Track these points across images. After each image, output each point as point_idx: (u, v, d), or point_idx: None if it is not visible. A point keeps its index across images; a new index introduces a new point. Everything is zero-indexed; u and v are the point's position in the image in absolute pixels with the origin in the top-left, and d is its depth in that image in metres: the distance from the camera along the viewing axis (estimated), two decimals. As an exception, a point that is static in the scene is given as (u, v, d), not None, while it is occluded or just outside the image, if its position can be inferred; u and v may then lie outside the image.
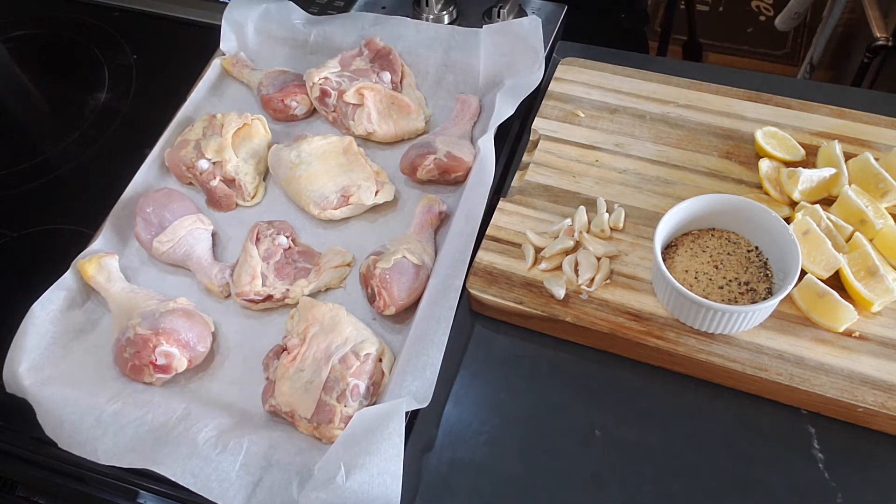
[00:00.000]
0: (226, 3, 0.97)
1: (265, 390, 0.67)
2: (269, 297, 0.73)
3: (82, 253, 0.76)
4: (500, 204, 0.77)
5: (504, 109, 0.81)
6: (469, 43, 0.90)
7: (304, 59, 0.95)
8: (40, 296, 0.72)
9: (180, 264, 0.77)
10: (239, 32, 0.96)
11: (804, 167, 0.74)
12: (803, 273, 0.67)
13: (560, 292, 0.69)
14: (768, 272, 0.68)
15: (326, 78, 0.87)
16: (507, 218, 0.76)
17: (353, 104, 0.85)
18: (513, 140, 0.86)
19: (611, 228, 0.74)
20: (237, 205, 0.83)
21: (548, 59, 0.90)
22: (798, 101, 0.83)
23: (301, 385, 0.65)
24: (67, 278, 0.74)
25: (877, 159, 0.74)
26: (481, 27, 0.89)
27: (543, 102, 0.85)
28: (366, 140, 0.87)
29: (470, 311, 0.74)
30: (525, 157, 0.82)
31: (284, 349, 0.68)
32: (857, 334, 0.65)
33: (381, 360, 0.67)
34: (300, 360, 0.67)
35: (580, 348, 0.70)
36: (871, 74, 1.24)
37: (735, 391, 0.66)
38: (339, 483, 0.58)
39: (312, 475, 0.60)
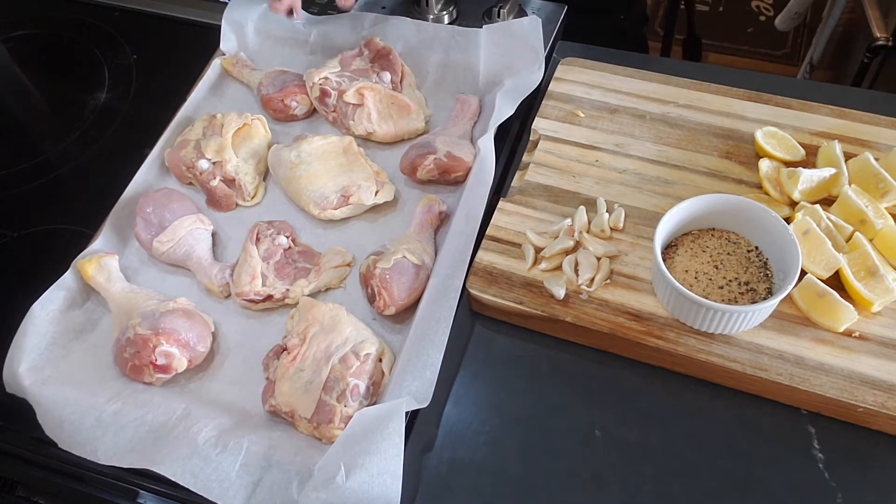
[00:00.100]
0: (226, 3, 0.97)
1: (265, 390, 0.67)
2: (269, 297, 0.73)
3: (82, 253, 0.76)
4: (500, 204, 0.77)
5: (504, 109, 0.81)
6: (469, 43, 0.90)
7: (304, 59, 0.95)
8: (40, 296, 0.72)
9: (180, 264, 0.77)
10: (239, 32, 0.96)
11: (804, 167, 0.74)
12: (803, 273, 0.67)
13: (560, 292, 0.69)
14: (768, 272, 0.68)
15: (326, 78, 0.87)
16: (507, 218, 0.76)
17: (353, 104, 0.85)
18: (513, 140, 0.86)
19: (611, 228, 0.74)
20: (237, 205, 0.83)
21: (548, 59, 0.90)
22: (798, 101, 0.83)
23: (301, 385, 0.65)
24: (67, 278, 0.74)
25: (877, 159, 0.74)
26: (481, 27, 0.89)
27: (543, 102, 0.85)
28: (366, 140, 0.87)
29: (470, 311, 0.74)
30: (525, 157, 0.82)
31: (284, 349, 0.68)
32: (857, 334, 0.65)
33: (381, 360, 0.67)
34: (300, 360, 0.67)
35: (580, 348, 0.70)
36: (871, 74, 1.24)
37: (735, 391, 0.66)
38: (339, 483, 0.58)
39: (312, 475, 0.60)
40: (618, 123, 0.83)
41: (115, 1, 1.10)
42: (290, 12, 0.94)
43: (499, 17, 0.93)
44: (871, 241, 0.70)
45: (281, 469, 0.61)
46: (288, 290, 0.73)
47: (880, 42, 1.19)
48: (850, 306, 0.65)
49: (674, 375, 0.68)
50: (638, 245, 0.72)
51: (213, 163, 0.81)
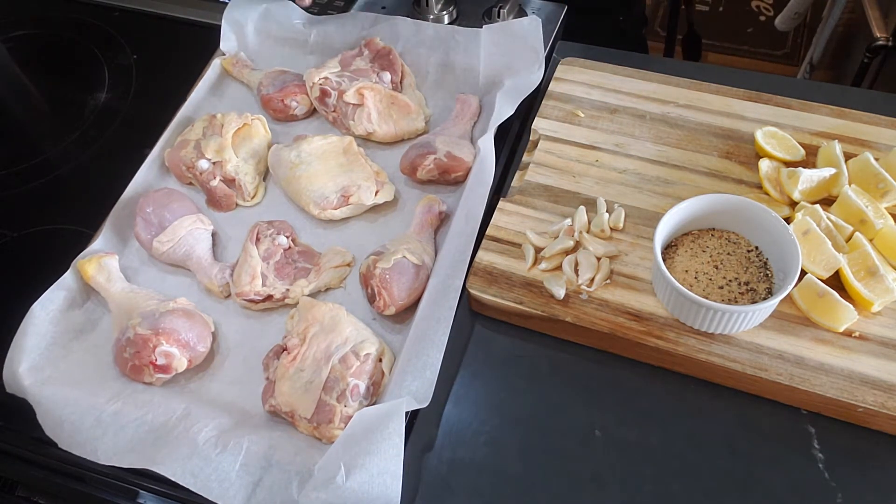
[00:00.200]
0: (226, 3, 0.97)
1: (265, 390, 0.67)
2: (269, 297, 0.73)
3: (82, 253, 0.76)
4: (500, 204, 0.77)
5: (504, 109, 0.81)
6: (469, 43, 0.90)
7: (304, 59, 0.95)
8: (40, 296, 0.72)
9: (180, 264, 0.77)
10: (239, 32, 0.96)
11: (804, 167, 0.74)
12: (803, 273, 0.67)
13: (560, 292, 0.69)
14: (768, 272, 0.68)
15: (326, 78, 0.87)
16: (507, 218, 0.76)
17: (353, 104, 0.85)
18: (513, 140, 0.86)
19: (611, 228, 0.74)
20: (237, 205, 0.83)
21: (548, 59, 0.90)
22: (798, 101, 0.83)
23: (301, 385, 0.65)
24: (67, 278, 0.74)
25: (877, 159, 0.74)
26: (481, 27, 0.89)
27: (543, 102, 0.85)
28: (366, 140, 0.87)
29: (470, 311, 0.74)
30: (525, 157, 0.82)
31: (284, 349, 0.68)
32: (857, 334, 0.65)
33: (381, 360, 0.67)
34: (300, 360, 0.67)
35: (580, 348, 0.70)
36: (871, 74, 1.24)
37: (735, 391, 0.66)
38: (339, 483, 0.58)
39: (312, 475, 0.60)
40: (618, 123, 0.83)
41: (115, 1, 1.10)
42: None
43: (499, 17, 0.93)
44: (871, 241, 0.70)
45: (281, 469, 0.61)
46: (288, 290, 0.73)
47: (880, 42, 1.19)
48: (850, 306, 0.65)
49: (674, 375, 0.68)
50: (638, 245, 0.72)
51: (213, 163, 0.81)
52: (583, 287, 0.69)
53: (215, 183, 0.81)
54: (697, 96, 0.84)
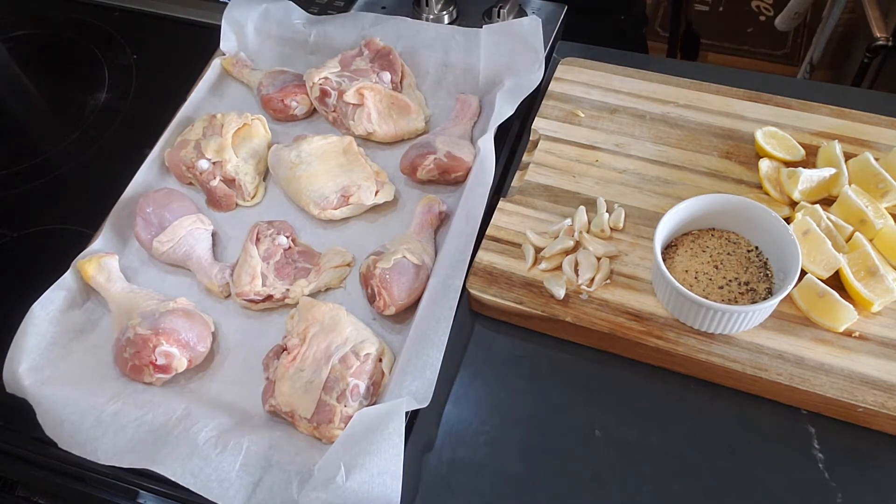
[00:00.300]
0: (226, 3, 0.97)
1: (265, 390, 0.67)
2: (269, 297, 0.73)
3: (82, 253, 0.76)
4: (500, 204, 0.77)
5: (504, 109, 0.81)
6: (469, 43, 0.90)
7: (304, 59, 0.95)
8: (40, 296, 0.72)
9: (180, 264, 0.77)
10: (239, 32, 0.96)
11: (804, 167, 0.74)
12: (803, 273, 0.67)
13: (560, 292, 0.69)
14: (768, 272, 0.68)
15: (326, 78, 0.87)
16: (507, 218, 0.76)
17: (353, 104, 0.85)
18: (513, 140, 0.86)
19: (611, 228, 0.74)
20: (237, 205, 0.83)
21: (548, 59, 0.90)
22: (798, 101, 0.83)
23: (301, 385, 0.65)
24: (67, 278, 0.74)
25: (877, 159, 0.74)
26: (481, 27, 0.89)
27: (543, 102, 0.85)
28: (366, 140, 0.87)
29: (470, 311, 0.74)
30: (525, 157, 0.82)
31: (284, 349, 0.68)
32: (857, 334, 0.65)
33: (381, 360, 0.67)
34: (300, 360, 0.67)
35: (580, 348, 0.70)
36: (871, 74, 1.24)
37: (735, 391, 0.66)
38: (339, 483, 0.58)
39: (312, 475, 0.60)
40: (618, 123, 0.83)
41: (115, 1, 1.10)
42: None
43: (499, 17, 0.93)
44: (871, 241, 0.70)
45: (281, 469, 0.61)
46: (288, 290, 0.73)
47: (880, 42, 1.19)
48: (850, 306, 0.65)
49: (674, 375, 0.68)
50: (638, 245, 0.72)
51: (213, 163, 0.81)
52: (583, 287, 0.69)
53: (215, 183, 0.81)
54: (697, 96, 0.84)
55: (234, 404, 0.68)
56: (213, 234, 0.80)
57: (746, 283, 0.68)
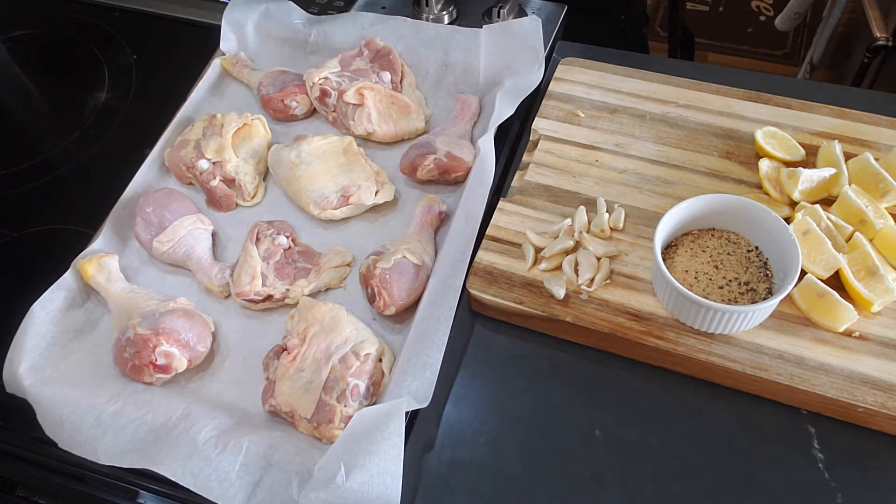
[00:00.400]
0: (226, 3, 0.97)
1: (265, 390, 0.67)
2: (269, 297, 0.73)
3: (82, 253, 0.76)
4: (500, 204, 0.77)
5: (504, 109, 0.81)
6: (469, 43, 0.90)
7: (304, 59, 0.95)
8: (40, 296, 0.72)
9: (180, 264, 0.77)
10: (239, 32, 0.96)
11: (804, 167, 0.74)
12: (803, 273, 0.67)
13: (560, 292, 0.69)
14: (768, 272, 0.68)
15: (326, 78, 0.87)
16: (507, 218, 0.76)
17: (353, 104, 0.85)
18: (513, 140, 0.86)
19: (611, 228, 0.74)
20: (237, 205, 0.83)
21: (548, 59, 0.90)
22: (798, 101, 0.83)
23: (301, 385, 0.65)
24: (67, 278, 0.74)
25: (877, 159, 0.74)
26: (481, 27, 0.89)
27: (543, 102, 0.85)
28: (366, 140, 0.87)
29: (470, 311, 0.74)
30: (525, 157, 0.82)
31: (284, 349, 0.68)
32: (857, 334, 0.65)
33: (381, 360, 0.67)
34: (300, 360, 0.67)
35: (580, 348, 0.70)
36: (871, 74, 1.24)
37: (735, 391, 0.66)
38: (339, 483, 0.58)
39: (312, 475, 0.60)
40: (618, 123, 0.83)
41: (115, 1, 1.10)
42: None
43: (499, 17, 0.93)
44: (871, 241, 0.70)
45: (281, 469, 0.61)
46: (288, 290, 0.73)
47: (880, 42, 1.19)
48: (850, 306, 0.65)
49: (674, 375, 0.68)
50: (638, 245, 0.72)
51: (213, 163, 0.81)
52: (583, 287, 0.69)
53: (215, 183, 0.81)
54: (697, 96, 0.84)
55: (234, 404, 0.68)
56: (213, 234, 0.80)
57: (746, 283, 0.68)
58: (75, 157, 0.93)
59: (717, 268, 0.69)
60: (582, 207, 0.75)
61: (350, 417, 0.63)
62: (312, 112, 0.91)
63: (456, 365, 0.70)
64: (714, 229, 0.72)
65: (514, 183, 0.80)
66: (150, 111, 0.95)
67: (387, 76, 0.89)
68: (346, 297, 0.75)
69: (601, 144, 0.81)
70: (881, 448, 0.63)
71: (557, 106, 0.85)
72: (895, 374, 0.63)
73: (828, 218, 0.71)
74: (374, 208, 0.81)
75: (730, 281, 0.68)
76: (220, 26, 0.95)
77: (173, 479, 0.60)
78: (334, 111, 0.87)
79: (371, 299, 0.72)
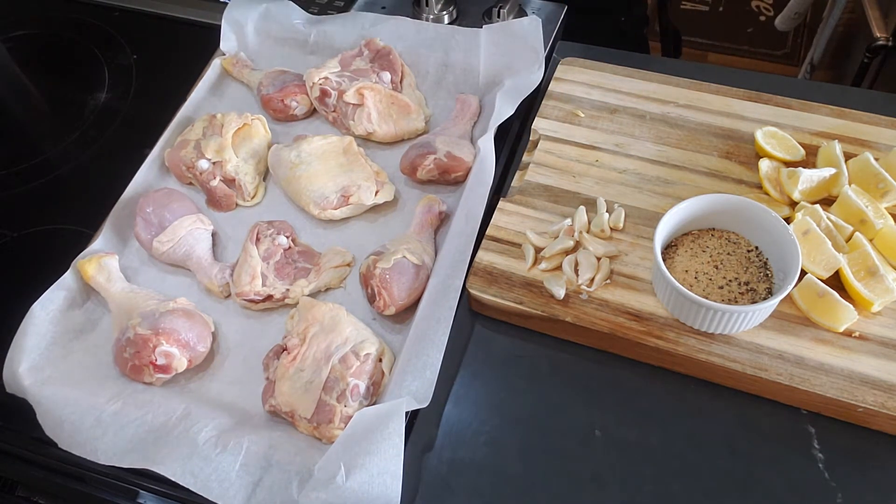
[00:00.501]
0: (226, 3, 0.97)
1: (265, 390, 0.67)
2: (269, 297, 0.73)
3: (82, 253, 0.76)
4: (500, 204, 0.77)
5: (504, 109, 0.81)
6: (469, 43, 0.90)
7: (304, 59, 0.95)
8: (40, 296, 0.72)
9: (180, 264, 0.77)
10: (239, 32, 0.96)
11: (804, 167, 0.74)
12: (803, 273, 0.67)
13: (560, 292, 0.69)
14: (768, 272, 0.68)
15: (326, 78, 0.87)
16: (507, 218, 0.76)
17: (353, 104, 0.85)
18: (513, 140, 0.86)
19: (611, 228, 0.74)
20: (237, 205, 0.83)
21: (548, 59, 0.90)
22: (798, 101, 0.83)
23: (301, 385, 0.65)
24: (67, 278, 0.74)
25: (877, 159, 0.74)
26: (481, 27, 0.89)
27: (543, 102, 0.85)
28: (366, 140, 0.87)
29: (470, 311, 0.74)
30: (525, 157, 0.82)
31: (284, 349, 0.68)
32: (857, 334, 0.65)
33: (381, 360, 0.67)
34: (300, 360, 0.67)
35: (580, 348, 0.70)
36: (871, 74, 1.24)
37: (735, 391, 0.66)
38: (339, 483, 0.58)
39: (312, 475, 0.60)
40: (618, 123, 0.83)
41: (115, 1, 1.10)
42: None
43: (499, 17, 0.93)
44: (871, 241, 0.70)
45: (281, 469, 0.61)
46: (288, 290, 0.73)
47: (880, 42, 1.19)
48: (850, 306, 0.65)
49: (674, 375, 0.68)
50: (638, 245, 0.72)
51: (213, 163, 0.81)
52: (583, 287, 0.69)
53: (215, 183, 0.81)
54: (697, 96, 0.84)
55: (234, 404, 0.68)
56: (213, 234, 0.80)
57: (746, 283, 0.68)
58: (75, 157, 0.93)
59: (717, 268, 0.69)
60: (582, 207, 0.75)
61: (350, 417, 0.63)
62: (312, 112, 0.91)
63: (456, 365, 0.70)
64: (714, 229, 0.72)
65: (514, 183, 0.80)
66: (150, 111, 0.95)
67: (387, 76, 0.89)
68: (346, 297, 0.75)
69: (601, 144, 0.81)
70: (881, 448, 0.63)
71: (557, 106, 0.85)
72: (895, 374, 0.63)
73: (828, 218, 0.71)
74: (374, 208, 0.81)
75: (730, 281, 0.68)
76: (220, 26, 0.95)
77: (173, 479, 0.60)
78: (334, 111, 0.87)
79: (371, 299, 0.72)
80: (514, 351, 0.71)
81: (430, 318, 0.67)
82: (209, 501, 0.60)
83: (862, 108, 0.81)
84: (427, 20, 0.95)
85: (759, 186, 0.76)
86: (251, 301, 0.73)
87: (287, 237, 0.77)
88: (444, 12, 0.97)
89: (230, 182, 0.82)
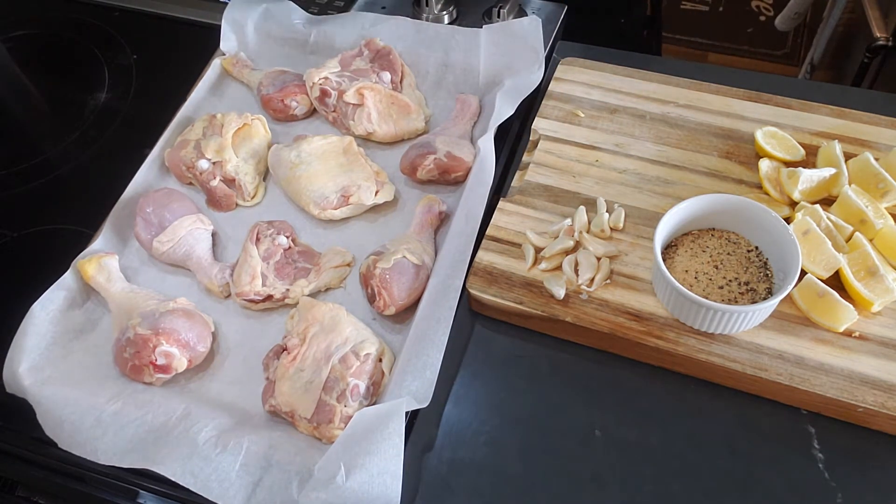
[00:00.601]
0: (226, 3, 0.97)
1: (265, 390, 0.67)
2: (269, 297, 0.73)
3: (82, 253, 0.76)
4: (500, 204, 0.77)
5: (504, 109, 0.81)
6: (469, 43, 0.90)
7: (304, 59, 0.95)
8: (40, 296, 0.72)
9: (180, 264, 0.77)
10: (239, 32, 0.96)
11: (804, 167, 0.74)
12: (803, 273, 0.67)
13: (560, 292, 0.69)
14: (768, 272, 0.68)
15: (326, 78, 0.87)
16: (507, 218, 0.76)
17: (353, 104, 0.85)
18: (513, 140, 0.86)
19: (611, 228, 0.74)
20: (237, 205, 0.83)
21: (548, 59, 0.90)
22: (798, 101, 0.83)
23: (301, 385, 0.65)
24: (67, 278, 0.74)
25: (877, 159, 0.74)
26: (481, 27, 0.89)
27: (543, 102, 0.85)
28: (366, 140, 0.87)
29: (470, 311, 0.74)
30: (525, 157, 0.82)
31: (284, 349, 0.68)
32: (857, 334, 0.65)
33: (381, 360, 0.67)
34: (300, 360, 0.67)
35: (580, 348, 0.70)
36: (871, 74, 1.24)
37: (735, 391, 0.66)
38: (339, 483, 0.58)
39: (312, 475, 0.60)
40: (618, 123, 0.83)
41: (115, 1, 1.10)
42: None
43: (499, 17, 0.93)
44: (871, 241, 0.70)
45: (281, 469, 0.61)
46: (288, 290, 0.73)
47: (880, 42, 1.19)
48: (850, 306, 0.65)
49: (674, 375, 0.68)
50: (638, 245, 0.72)
51: (213, 163, 0.81)
52: (583, 287, 0.69)
53: (215, 183, 0.81)
54: (697, 96, 0.84)
55: (234, 404, 0.68)
56: (213, 234, 0.80)
57: (746, 283, 0.68)
58: (75, 157, 0.93)
59: (717, 268, 0.69)
60: (582, 207, 0.75)
61: (350, 417, 0.63)
62: (312, 112, 0.91)
63: (456, 365, 0.70)
64: (714, 229, 0.72)
65: (514, 183, 0.80)
66: (150, 111, 0.95)
67: (387, 76, 0.89)
68: (346, 297, 0.75)
69: (601, 144, 0.81)
70: (881, 448, 0.63)
71: (557, 106, 0.85)
72: (895, 374, 0.63)
73: (828, 218, 0.71)
74: (374, 208, 0.81)
75: (730, 281, 0.68)
76: (220, 26, 0.95)
77: (173, 479, 0.60)
78: (334, 111, 0.87)
79: (371, 299, 0.72)
80: (514, 351, 0.71)
81: (430, 318, 0.67)
82: (209, 501, 0.60)
83: (862, 108, 0.81)
84: (427, 20, 0.95)
85: (759, 186, 0.76)
86: (251, 301, 0.73)
87: (287, 237, 0.77)
88: (444, 12, 0.97)
89: (230, 182, 0.82)
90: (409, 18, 0.94)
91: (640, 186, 0.77)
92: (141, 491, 0.66)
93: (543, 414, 0.67)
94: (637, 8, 1.28)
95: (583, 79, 0.87)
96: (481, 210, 0.73)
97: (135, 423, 0.65)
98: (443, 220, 0.79)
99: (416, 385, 0.63)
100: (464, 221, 0.73)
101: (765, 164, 0.76)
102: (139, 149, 0.87)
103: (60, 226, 0.85)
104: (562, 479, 0.63)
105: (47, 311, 0.71)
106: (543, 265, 0.71)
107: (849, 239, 0.70)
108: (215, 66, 0.94)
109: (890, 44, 1.18)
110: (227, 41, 0.95)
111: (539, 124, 0.83)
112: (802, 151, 0.78)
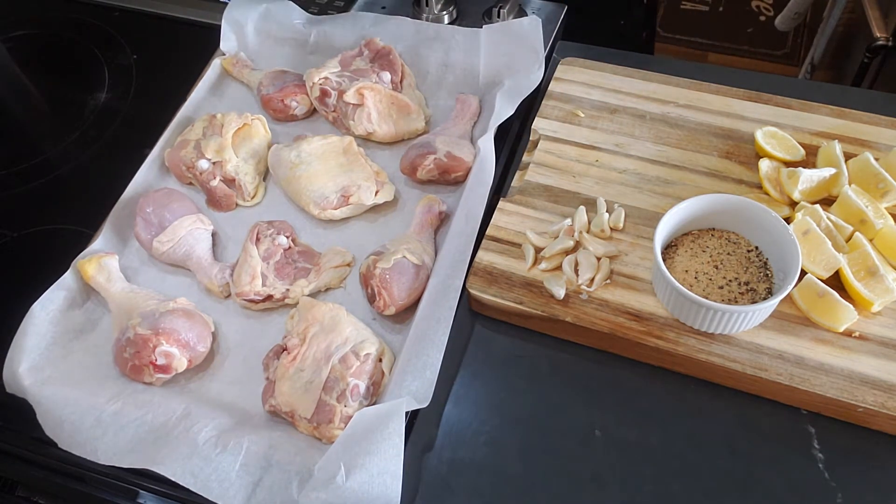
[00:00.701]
0: (226, 3, 0.97)
1: (265, 390, 0.67)
2: (269, 297, 0.73)
3: (82, 253, 0.76)
4: (500, 204, 0.77)
5: (504, 109, 0.81)
6: (469, 43, 0.90)
7: (304, 59, 0.95)
8: (40, 296, 0.72)
9: (180, 264, 0.77)
10: (239, 32, 0.96)
11: (804, 167, 0.74)
12: (803, 273, 0.67)
13: (560, 292, 0.69)
14: (768, 272, 0.68)
15: (326, 78, 0.87)
16: (507, 218, 0.76)
17: (353, 104, 0.85)
18: (513, 140, 0.86)
19: (611, 228, 0.74)
20: (237, 205, 0.83)
21: (548, 59, 0.90)
22: (798, 101, 0.83)
23: (301, 385, 0.65)
24: (67, 278, 0.74)
25: (877, 159, 0.74)
26: (481, 27, 0.89)
27: (543, 102, 0.85)
28: (366, 140, 0.87)
29: (470, 311, 0.74)
30: (525, 157, 0.82)
31: (284, 349, 0.68)
32: (857, 334, 0.65)
33: (381, 360, 0.67)
34: (300, 360, 0.67)
35: (580, 348, 0.70)
36: (871, 74, 1.24)
37: (735, 391, 0.66)
38: (339, 483, 0.58)
39: (312, 475, 0.60)
40: (618, 123, 0.83)
41: (115, 1, 1.10)
42: None
43: (499, 17, 0.93)
44: (871, 241, 0.70)
45: (281, 469, 0.61)
46: (288, 290, 0.73)
47: (880, 42, 1.19)
48: (850, 306, 0.65)
49: (674, 375, 0.68)
50: (638, 245, 0.72)
51: (213, 163, 0.81)
52: (583, 287, 0.69)
53: (215, 183, 0.81)
54: (697, 96, 0.84)
55: (234, 404, 0.68)
56: (213, 234, 0.80)
57: (746, 283, 0.68)
58: (75, 157, 0.93)
59: (717, 268, 0.69)
60: (582, 207, 0.75)
61: (350, 417, 0.63)
62: (312, 112, 0.91)
63: (456, 365, 0.70)
64: (714, 229, 0.72)
65: (514, 183, 0.80)
66: (150, 111, 0.95)
67: (387, 76, 0.89)
68: (346, 297, 0.75)
69: (601, 144, 0.81)
70: (881, 448, 0.63)
71: (557, 106, 0.85)
72: (895, 374, 0.63)
73: (828, 218, 0.71)
74: (374, 208, 0.81)
75: (730, 281, 0.68)
76: (220, 26, 0.95)
77: (173, 479, 0.60)
78: (334, 111, 0.87)
79: (371, 299, 0.72)
80: (514, 351, 0.71)
81: (430, 318, 0.67)
82: (209, 501, 0.60)
83: (862, 108, 0.81)
84: (427, 20, 0.95)
85: (759, 186, 0.76)
86: (251, 301, 0.73)
87: (287, 237, 0.77)
88: (444, 12, 0.97)
89: (230, 182, 0.82)
90: (409, 18, 0.94)
91: (640, 186, 0.77)
92: (141, 491, 0.66)
93: (543, 414, 0.67)
94: (637, 8, 1.28)
95: (583, 79, 0.87)
96: (481, 210, 0.73)
97: (135, 423, 0.65)
98: (443, 220, 0.79)
99: (416, 385, 0.63)
100: (464, 221, 0.73)
101: (765, 164, 0.76)
102: (139, 149, 0.87)
103: (60, 226, 0.85)
104: (562, 479, 0.63)
105: (47, 311, 0.71)
106: (543, 265, 0.71)
107: (849, 239, 0.70)
108: (215, 66, 0.94)
109: (890, 44, 1.18)
110: (227, 41, 0.95)
111: (539, 124, 0.83)
112: (802, 151, 0.78)
